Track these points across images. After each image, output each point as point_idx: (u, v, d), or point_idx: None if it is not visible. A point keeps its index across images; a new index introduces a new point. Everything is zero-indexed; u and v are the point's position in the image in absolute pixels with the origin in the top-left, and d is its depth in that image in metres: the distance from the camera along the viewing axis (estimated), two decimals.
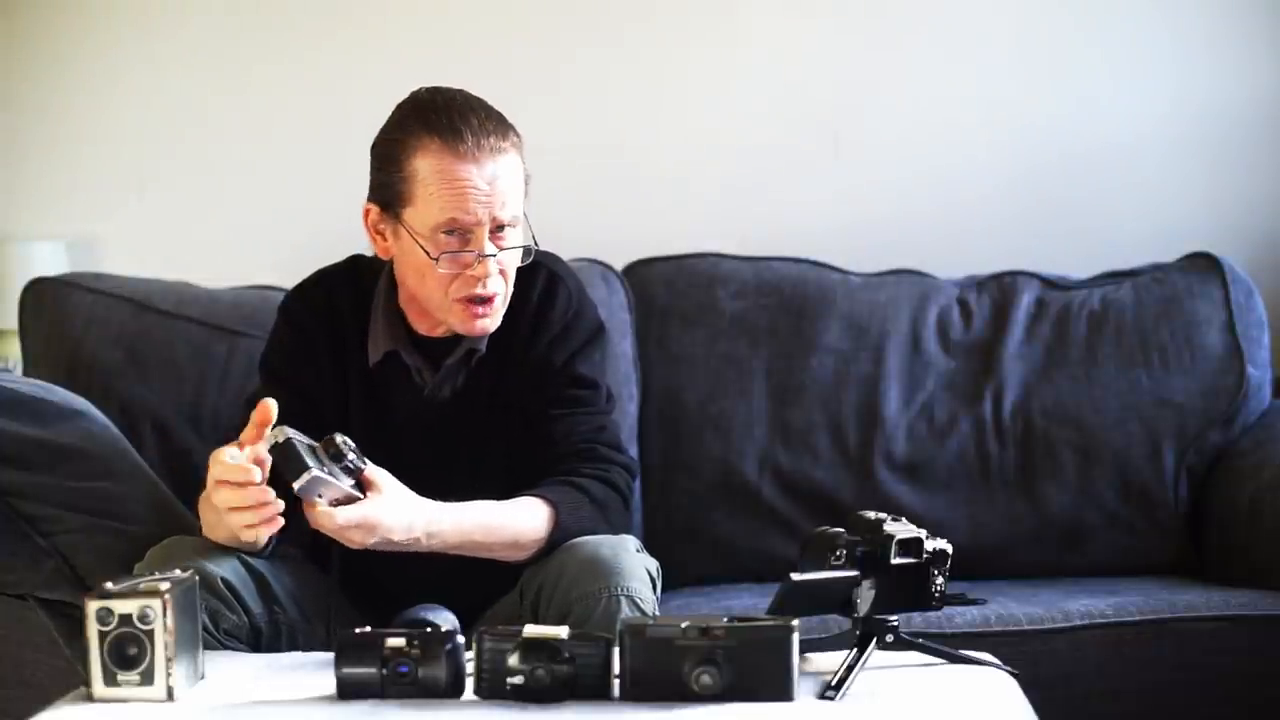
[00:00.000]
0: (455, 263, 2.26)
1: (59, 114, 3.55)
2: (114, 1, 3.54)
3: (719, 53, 3.48)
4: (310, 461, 2.06)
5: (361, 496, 2.13)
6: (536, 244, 2.32)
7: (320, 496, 2.09)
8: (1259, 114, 3.42)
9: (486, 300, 2.28)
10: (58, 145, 3.55)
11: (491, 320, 2.31)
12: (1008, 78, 3.45)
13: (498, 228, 2.27)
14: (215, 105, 3.52)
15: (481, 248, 2.25)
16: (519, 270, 2.37)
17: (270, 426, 2.08)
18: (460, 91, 2.31)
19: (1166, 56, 3.45)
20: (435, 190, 2.24)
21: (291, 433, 2.07)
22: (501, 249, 2.27)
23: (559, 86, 3.48)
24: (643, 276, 3.17)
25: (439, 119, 2.25)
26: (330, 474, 2.08)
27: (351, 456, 2.10)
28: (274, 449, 2.06)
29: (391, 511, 2.15)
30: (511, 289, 2.33)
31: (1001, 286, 3.15)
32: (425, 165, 2.25)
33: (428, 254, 2.25)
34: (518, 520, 2.25)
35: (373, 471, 2.15)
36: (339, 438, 2.10)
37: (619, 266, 3.18)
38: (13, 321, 3.17)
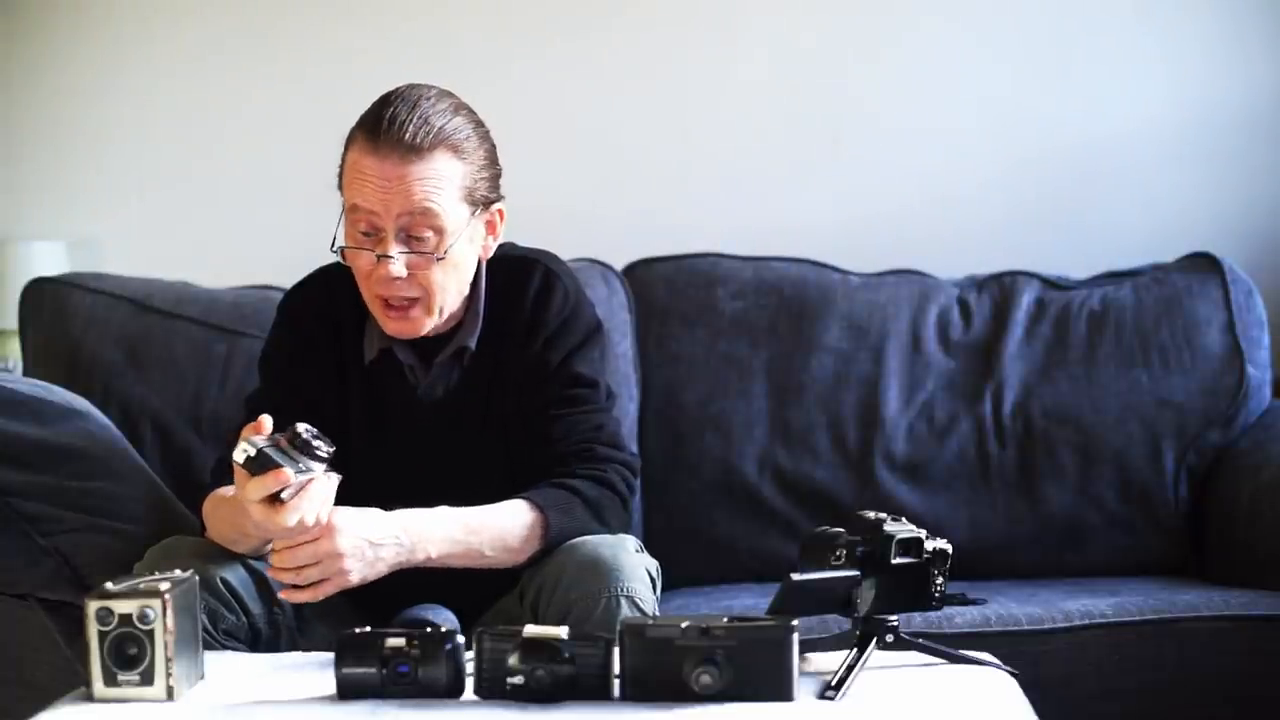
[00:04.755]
0: (357, 257, 2.26)
1: (59, 114, 3.55)
2: (114, 2, 3.54)
3: (719, 53, 3.48)
4: (288, 469, 2.05)
5: (338, 476, 2.12)
6: (445, 254, 2.25)
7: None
8: (1259, 114, 3.42)
9: (396, 306, 2.27)
10: (58, 145, 3.55)
11: (411, 325, 2.29)
12: (1008, 78, 3.45)
13: (410, 231, 2.24)
14: (215, 105, 3.52)
15: (385, 248, 2.24)
16: (515, 269, 2.37)
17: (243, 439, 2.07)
18: (426, 88, 2.29)
19: (1166, 56, 3.45)
20: (348, 179, 2.26)
21: (260, 442, 2.05)
22: (414, 253, 2.25)
23: (559, 87, 3.48)
24: (643, 276, 3.17)
25: (372, 112, 2.26)
26: (304, 469, 2.07)
27: (318, 444, 2.08)
28: (248, 463, 2.05)
29: (348, 534, 2.13)
30: (445, 299, 2.29)
31: (1001, 286, 3.15)
32: (348, 156, 2.27)
33: (332, 242, 2.28)
34: (500, 521, 2.24)
35: (334, 515, 2.13)
36: (300, 428, 2.07)
37: (619, 266, 3.18)
38: (13, 321, 3.17)
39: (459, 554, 2.22)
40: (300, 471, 2.06)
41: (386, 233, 2.24)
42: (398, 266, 2.24)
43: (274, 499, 2.06)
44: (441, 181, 2.24)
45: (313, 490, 2.08)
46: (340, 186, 2.30)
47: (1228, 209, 3.42)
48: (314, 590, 2.14)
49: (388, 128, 2.22)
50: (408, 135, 2.22)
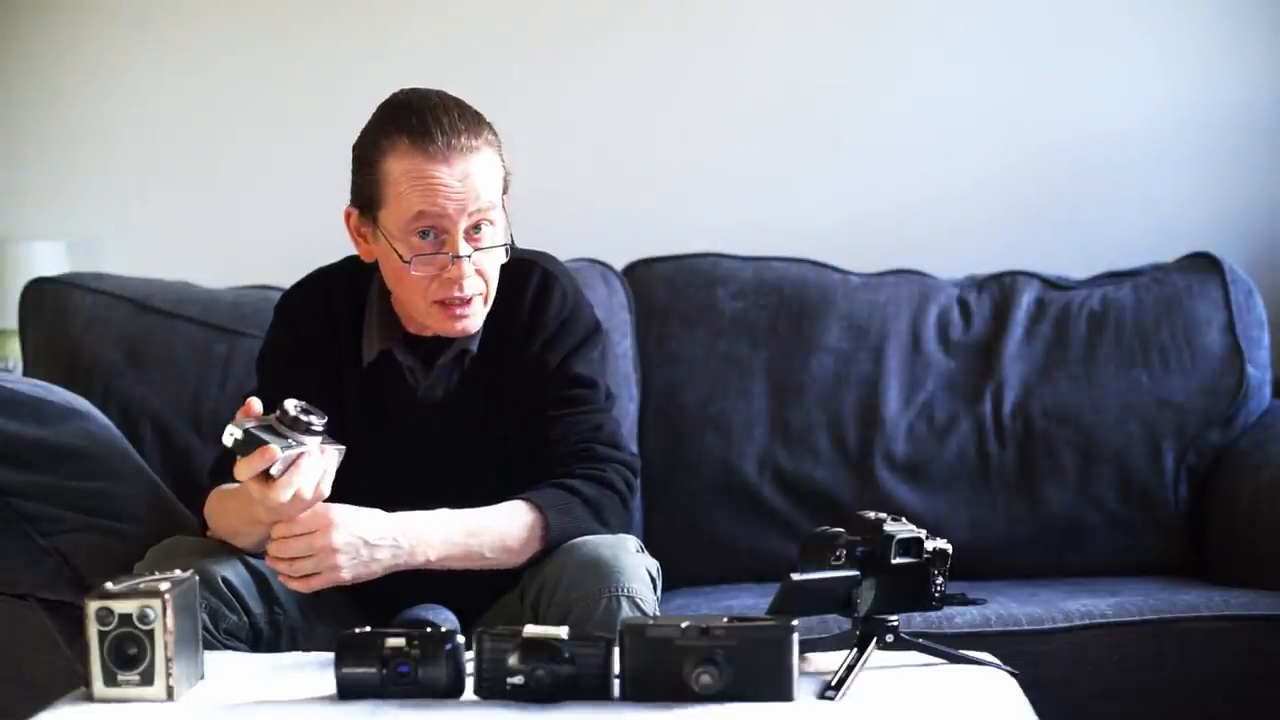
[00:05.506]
0: (429, 265, 2.25)
1: (59, 114, 3.55)
2: (114, 2, 3.54)
3: (719, 52, 3.48)
4: (274, 445, 2.06)
5: (339, 447, 2.14)
6: (513, 241, 2.30)
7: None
8: (1259, 114, 3.42)
9: (465, 301, 2.28)
10: (58, 145, 3.55)
11: (472, 320, 2.30)
12: (1008, 77, 3.45)
13: (473, 227, 2.26)
14: (215, 105, 3.52)
15: (455, 248, 2.25)
16: (513, 270, 2.37)
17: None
18: (436, 92, 2.31)
19: (1167, 57, 3.45)
20: (406, 189, 2.24)
21: (247, 424, 2.07)
22: (478, 248, 2.27)
23: (559, 87, 3.48)
24: (643, 276, 3.17)
25: (409, 119, 2.25)
26: (293, 444, 2.08)
27: (310, 419, 2.09)
28: (236, 446, 2.07)
29: (343, 530, 2.15)
30: (494, 287, 2.32)
31: (1001, 286, 3.15)
32: (397, 166, 2.25)
33: (401, 257, 2.25)
34: (499, 522, 2.24)
35: (324, 507, 2.15)
36: (288, 404, 2.09)
37: (619, 266, 3.18)
38: (13, 321, 3.17)
39: (458, 556, 2.22)
40: (288, 447, 2.06)
41: (454, 233, 2.25)
42: (470, 265, 2.26)
43: (269, 477, 2.07)
44: (492, 173, 2.28)
45: (304, 464, 2.09)
46: (373, 202, 2.28)
47: (1228, 209, 3.42)
48: (305, 581, 2.15)
49: (441, 132, 2.23)
50: (462, 136, 2.24)
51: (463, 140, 2.24)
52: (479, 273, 2.28)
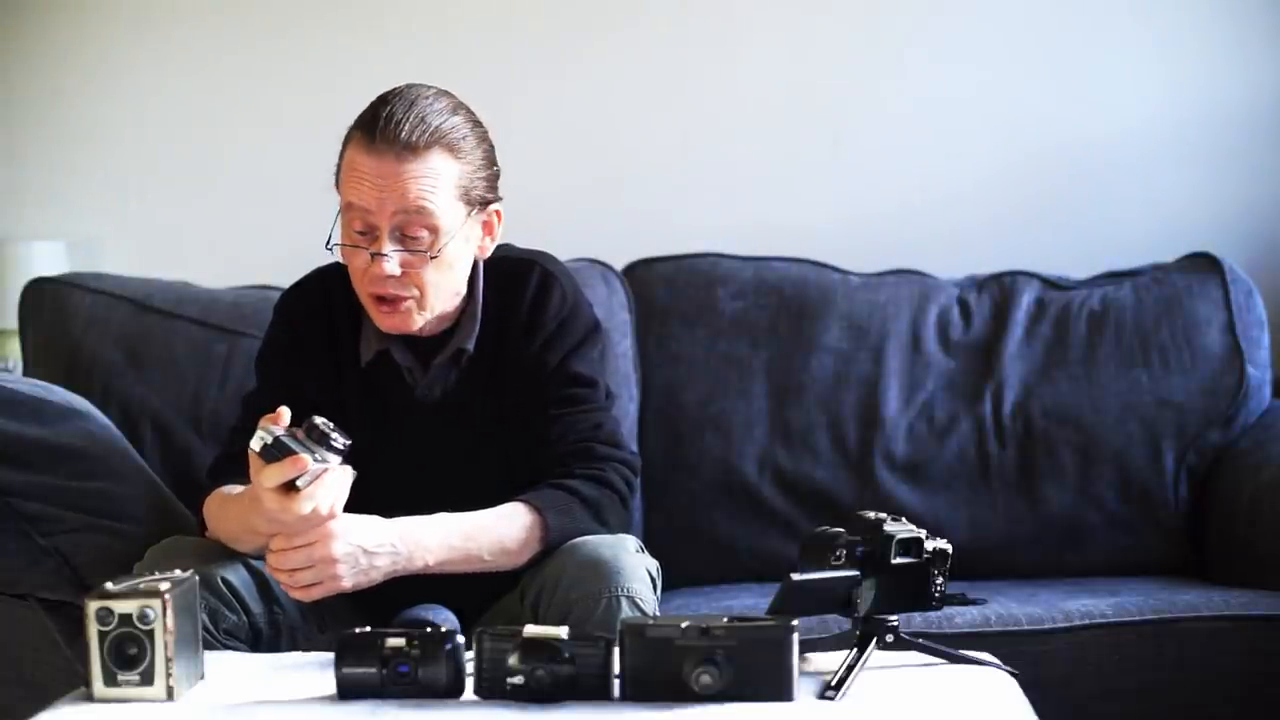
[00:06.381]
0: (351, 255, 2.27)
1: (59, 114, 3.55)
2: (114, 2, 3.54)
3: (719, 52, 3.48)
4: (305, 456, 2.06)
5: (353, 470, 2.14)
6: (438, 253, 2.26)
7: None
8: (1259, 114, 3.42)
9: (391, 300, 2.28)
10: (58, 145, 3.55)
11: (402, 321, 2.29)
12: (1008, 77, 3.45)
13: (405, 231, 2.25)
14: (215, 105, 3.52)
15: (378, 246, 2.25)
16: (512, 270, 2.37)
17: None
18: (424, 88, 2.29)
19: (1167, 56, 3.45)
20: (344, 177, 2.27)
21: (277, 431, 2.07)
22: (409, 250, 2.25)
23: (559, 87, 3.48)
24: (643, 276, 3.17)
25: (370, 110, 2.27)
26: (320, 459, 2.09)
27: (335, 436, 2.10)
28: (264, 450, 2.07)
29: (343, 540, 2.14)
30: (441, 297, 2.30)
31: (1001, 286, 3.15)
32: (347, 153, 2.28)
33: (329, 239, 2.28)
34: (498, 525, 2.24)
35: (330, 522, 2.15)
36: (317, 420, 2.09)
37: (619, 266, 3.18)
38: (13, 321, 3.17)
39: (457, 559, 2.22)
40: (317, 460, 2.07)
41: (381, 231, 2.25)
42: (391, 265, 2.25)
43: (288, 487, 2.07)
44: (437, 181, 2.25)
45: (328, 480, 2.09)
46: (337, 185, 2.31)
47: (1228, 209, 3.42)
48: (306, 591, 2.15)
49: (384, 126, 2.23)
50: (404, 134, 2.23)
51: (403, 138, 2.22)
52: (410, 278, 2.27)
